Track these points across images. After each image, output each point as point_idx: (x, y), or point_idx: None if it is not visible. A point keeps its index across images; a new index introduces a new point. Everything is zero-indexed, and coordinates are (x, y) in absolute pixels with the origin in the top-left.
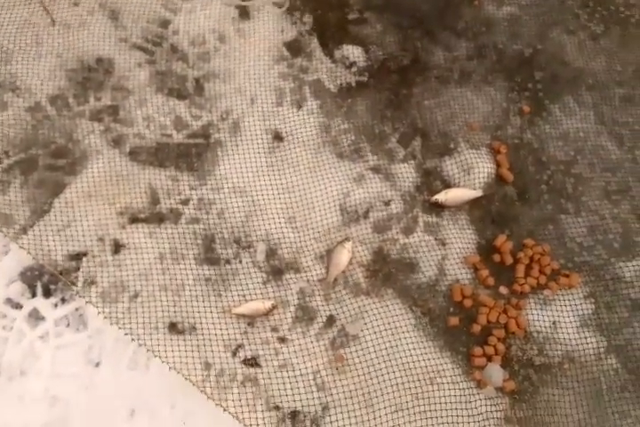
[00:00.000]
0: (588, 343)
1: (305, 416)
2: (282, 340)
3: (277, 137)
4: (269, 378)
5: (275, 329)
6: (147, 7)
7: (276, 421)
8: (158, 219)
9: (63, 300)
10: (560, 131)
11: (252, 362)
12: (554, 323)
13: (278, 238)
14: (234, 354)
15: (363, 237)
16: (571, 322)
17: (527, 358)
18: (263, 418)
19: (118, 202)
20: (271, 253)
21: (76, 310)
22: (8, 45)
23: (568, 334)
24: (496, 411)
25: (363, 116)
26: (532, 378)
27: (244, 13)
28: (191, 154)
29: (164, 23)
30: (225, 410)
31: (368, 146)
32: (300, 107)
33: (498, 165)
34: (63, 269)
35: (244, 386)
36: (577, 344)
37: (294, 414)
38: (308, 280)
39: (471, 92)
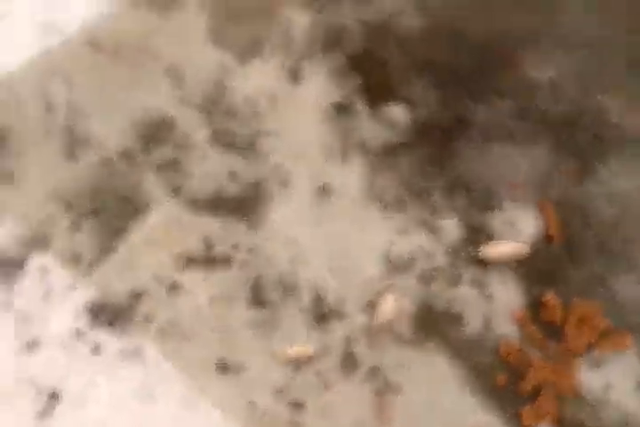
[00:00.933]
0: None
1: None
2: (326, 387)
3: (324, 190)
4: (312, 425)
5: (319, 374)
6: (205, 70)
7: None
8: (211, 263)
9: (123, 333)
10: (607, 190)
11: (297, 406)
12: (607, 384)
13: (323, 287)
14: (278, 398)
15: (408, 289)
16: (627, 384)
17: (579, 422)
18: None
19: (176, 247)
20: (317, 299)
21: (134, 344)
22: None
23: (625, 397)
24: None
25: (406, 172)
26: None
27: (294, 76)
28: (244, 205)
29: (221, 85)
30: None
31: (411, 200)
32: (346, 163)
33: (544, 221)
34: (125, 306)
35: None
36: (633, 408)
37: None
38: (352, 329)
39: (517, 151)
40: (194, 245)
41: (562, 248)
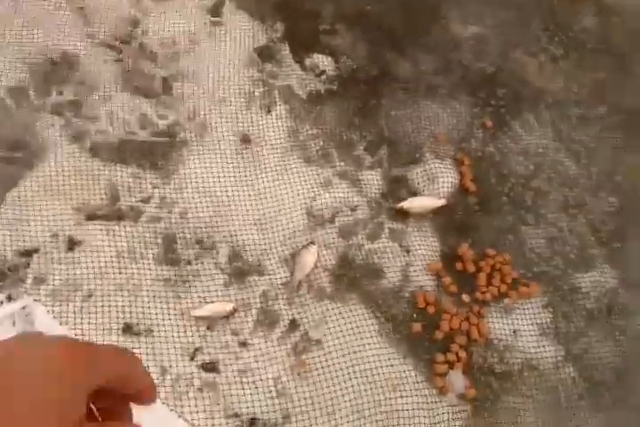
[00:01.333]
0: (546, 351)
1: (265, 424)
2: (243, 344)
3: (245, 140)
4: (228, 384)
5: (235, 333)
6: (116, 6)
7: None
8: (117, 217)
9: (10, 298)
10: (520, 146)
11: (211, 367)
12: (514, 331)
13: (243, 240)
14: (191, 358)
15: (328, 242)
16: (530, 331)
17: (488, 366)
18: (220, 425)
19: (75, 198)
20: (234, 255)
21: (23, 308)
22: None
23: (528, 342)
24: (458, 419)
25: (331, 122)
26: (493, 386)
27: (216, 17)
28: (155, 152)
29: (134, 23)
30: (180, 416)
31: (336, 152)
32: (269, 111)
33: (461, 176)
34: (12, 266)
35: (202, 392)
36: (536, 352)
37: (253, 422)
38: (271, 284)
39: (437, 105)
40: (97, 196)
41: (477, 202)
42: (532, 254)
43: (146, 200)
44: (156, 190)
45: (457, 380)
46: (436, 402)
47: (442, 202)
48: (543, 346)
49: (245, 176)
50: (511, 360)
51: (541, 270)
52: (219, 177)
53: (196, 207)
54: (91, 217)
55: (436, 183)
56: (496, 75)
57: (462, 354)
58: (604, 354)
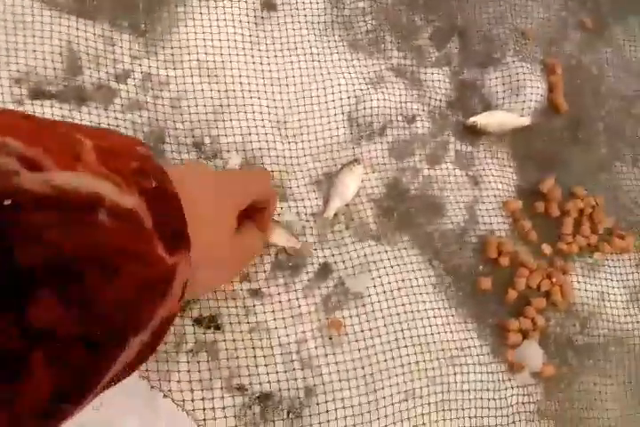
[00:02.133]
0: (637, 322)
1: (281, 402)
2: (255, 293)
3: (268, 4)
4: (234, 348)
5: (246, 278)
6: None
7: (239, 407)
8: (78, 97)
9: None
10: (622, 58)
11: (210, 323)
12: (601, 294)
13: (259, 149)
14: (183, 310)
15: (376, 162)
16: (620, 295)
17: (567, 337)
18: (223, 403)
19: (15, 63)
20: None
21: None
22: None
23: (617, 309)
24: (529, 403)
25: None
26: (571, 362)
27: None
28: (137, 8)
29: None
30: (166, 396)
31: (392, 38)
32: None
33: (551, 89)
34: None
35: (196, 356)
36: (625, 322)
37: (266, 398)
38: (297, 213)
39: None
40: (48, 63)
41: (566, 126)
42: (628, 199)
43: (121, 77)
44: (137, 64)
45: (533, 353)
46: (504, 381)
47: (526, 121)
48: (634, 315)
49: (267, 57)
50: (595, 331)
51: (637, 220)
52: (229, 54)
53: (195, 96)
54: (37, 94)
55: (519, 95)
56: None
57: (540, 321)
58: None
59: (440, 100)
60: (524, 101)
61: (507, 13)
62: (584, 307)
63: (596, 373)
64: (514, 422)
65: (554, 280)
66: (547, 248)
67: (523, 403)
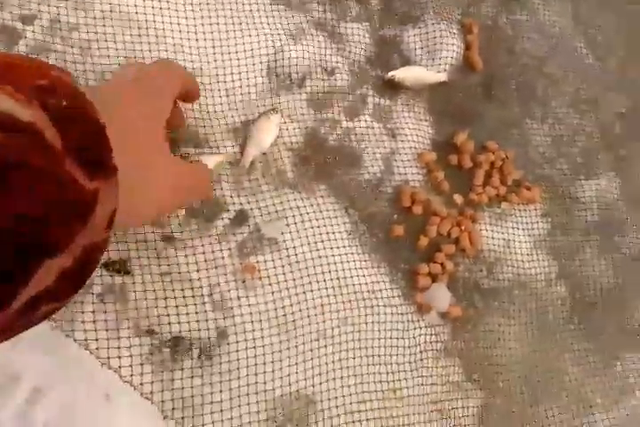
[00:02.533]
0: (539, 267)
1: (192, 344)
2: (168, 238)
3: None
4: (144, 290)
5: (158, 223)
6: None
7: (147, 350)
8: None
9: None
10: (536, 21)
11: (119, 267)
12: (507, 242)
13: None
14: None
15: (294, 112)
16: (525, 242)
17: (475, 281)
18: (129, 346)
19: None
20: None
21: None
22: None
23: (521, 255)
24: (436, 342)
25: None
26: (478, 304)
27: None
28: None
29: None
30: (68, 336)
31: None
32: None
33: (467, 47)
34: None
35: (103, 301)
36: (529, 268)
37: (176, 342)
38: (214, 160)
39: None
40: None
41: (481, 83)
42: (536, 154)
43: (27, 20)
44: (44, 6)
45: (441, 295)
46: (413, 321)
47: (442, 77)
48: (537, 260)
49: (183, 4)
50: (500, 275)
51: (543, 174)
52: (143, 0)
53: (106, 39)
54: None
55: (437, 52)
56: None
57: (449, 266)
58: (597, 273)
59: (360, 55)
60: (440, 58)
61: None
62: (491, 253)
63: (501, 314)
64: (421, 359)
65: (463, 228)
66: (458, 198)
67: (430, 342)
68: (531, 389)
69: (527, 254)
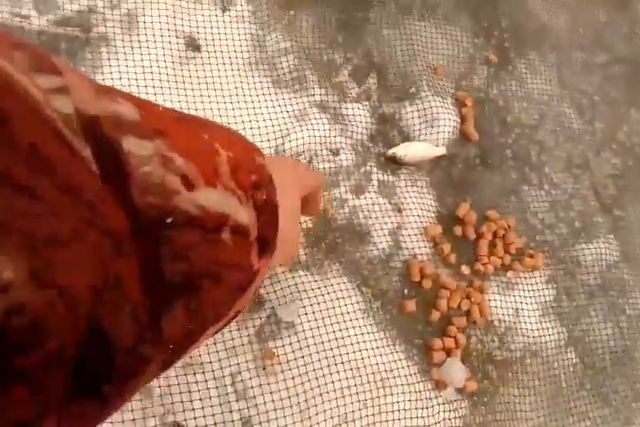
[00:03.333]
0: (549, 335)
1: None
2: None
3: (192, 45)
4: (168, 385)
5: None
6: None
7: None
8: None
9: None
10: (525, 90)
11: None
12: (516, 310)
13: None
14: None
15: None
16: (533, 310)
17: (487, 353)
18: None
19: None
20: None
21: None
22: None
23: (530, 324)
24: (455, 418)
25: (307, 35)
26: (492, 376)
27: None
28: (59, 49)
29: None
30: None
31: (314, 76)
32: (225, 9)
33: (462, 120)
34: None
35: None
36: (538, 335)
37: None
38: None
39: (435, 29)
40: None
41: (478, 154)
42: (536, 220)
43: None
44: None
45: (456, 370)
46: (431, 398)
47: (442, 151)
48: (546, 328)
49: (193, 96)
50: (512, 345)
51: (544, 240)
52: (155, 94)
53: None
54: None
55: (434, 126)
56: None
57: (462, 339)
58: (604, 337)
59: (362, 134)
60: (438, 133)
61: (419, 51)
62: (502, 323)
63: (516, 385)
64: None
65: (472, 299)
66: (465, 269)
67: (449, 419)
68: None
69: (536, 322)
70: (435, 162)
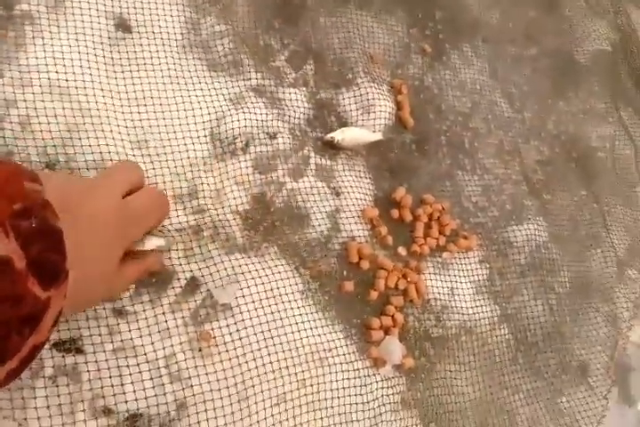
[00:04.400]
0: (482, 312)
1: (151, 420)
2: (119, 313)
3: (123, 26)
4: (97, 369)
5: (108, 298)
6: None
7: None
8: None
9: None
10: (458, 79)
11: (70, 347)
12: (451, 289)
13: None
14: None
15: (240, 177)
16: (467, 289)
17: (424, 330)
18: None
19: None
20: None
21: None
22: None
23: (465, 302)
24: (393, 394)
25: (244, 19)
26: (429, 353)
27: None
28: None
29: None
30: (20, 425)
31: (250, 60)
32: None
33: (398, 107)
34: None
35: (56, 383)
36: (473, 313)
37: (134, 419)
38: (161, 229)
39: (371, 18)
40: None
41: (414, 140)
42: (469, 203)
43: None
44: None
45: (394, 348)
46: (369, 376)
47: (378, 136)
48: (480, 306)
49: (124, 78)
50: (448, 323)
51: (477, 222)
52: (82, 73)
53: (46, 114)
54: None
55: (371, 113)
56: None
57: (399, 318)
58: (535, 313)
59: (299, 118)
60: (375, 119)
61: (355, 39)
62: (437, 302)
63: (452, 361)
64: (380, 413)
65: (409, 279)
66: (402, 250)
67: (388, 395)
68: None
69: (470, 301)
70: (372, 147)
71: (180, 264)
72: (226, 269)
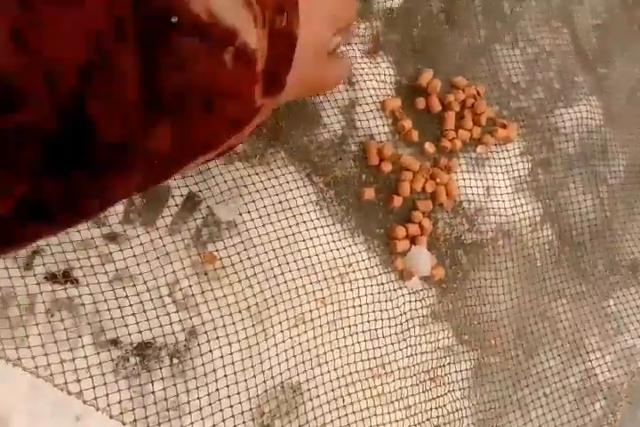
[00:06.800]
0: (523, 212)
1: (160, 349)
2: (111, 239)
3: None
4: (93, 302)
5: (97, 223)
6: None
7: (110, 367)
8: None
9: None
10: None
11: (63, 278)
12: (487, 189)
13: None
14: (28, 266)
15: None
16: (505, 187)
17: (456, 237)
18: (87, 367)
19: None
20: None
21: None
22: None
23: (503, 202)
24: (422, 307)
25: None
26: (462, 261)
27: None
28: None
29: None
30: (15, 364)
31: None
32: None
33: None
34: None
35: (50, 320)
36: (511, 214)
37: (143, 348)
38: None
39: None
40: None
41: (441, 7)
42: (509, 85)
43: None
44: None
45: (422, 259)
46: (395, 290)
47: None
48: (520, 205)
49: None
50: (483, 227)
51: (519, 106)
52: None
53: None
54: None
55: None
56: None
57: (427, 224)
58: (583, 210)
59: None
60: None
61: None
62: (471, 204)
63: (487, 268)
64: (408, 328)
65: (438, 180)
66: (430, 147)
67: (415, 309)
68: (525, 342)
69: (509, 200)
70: (389, 21)
71: (174, 179)
72: (226, 181)
